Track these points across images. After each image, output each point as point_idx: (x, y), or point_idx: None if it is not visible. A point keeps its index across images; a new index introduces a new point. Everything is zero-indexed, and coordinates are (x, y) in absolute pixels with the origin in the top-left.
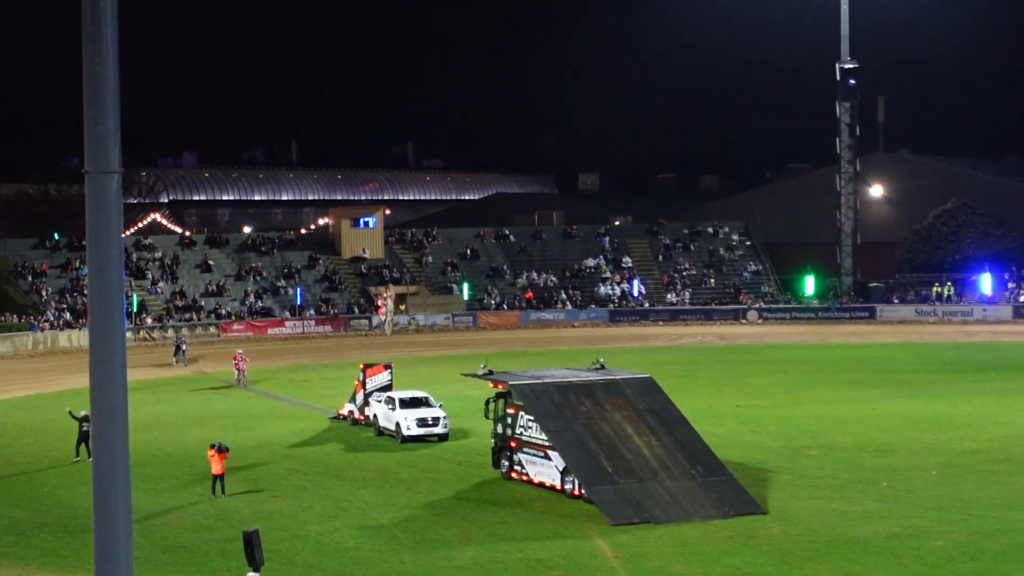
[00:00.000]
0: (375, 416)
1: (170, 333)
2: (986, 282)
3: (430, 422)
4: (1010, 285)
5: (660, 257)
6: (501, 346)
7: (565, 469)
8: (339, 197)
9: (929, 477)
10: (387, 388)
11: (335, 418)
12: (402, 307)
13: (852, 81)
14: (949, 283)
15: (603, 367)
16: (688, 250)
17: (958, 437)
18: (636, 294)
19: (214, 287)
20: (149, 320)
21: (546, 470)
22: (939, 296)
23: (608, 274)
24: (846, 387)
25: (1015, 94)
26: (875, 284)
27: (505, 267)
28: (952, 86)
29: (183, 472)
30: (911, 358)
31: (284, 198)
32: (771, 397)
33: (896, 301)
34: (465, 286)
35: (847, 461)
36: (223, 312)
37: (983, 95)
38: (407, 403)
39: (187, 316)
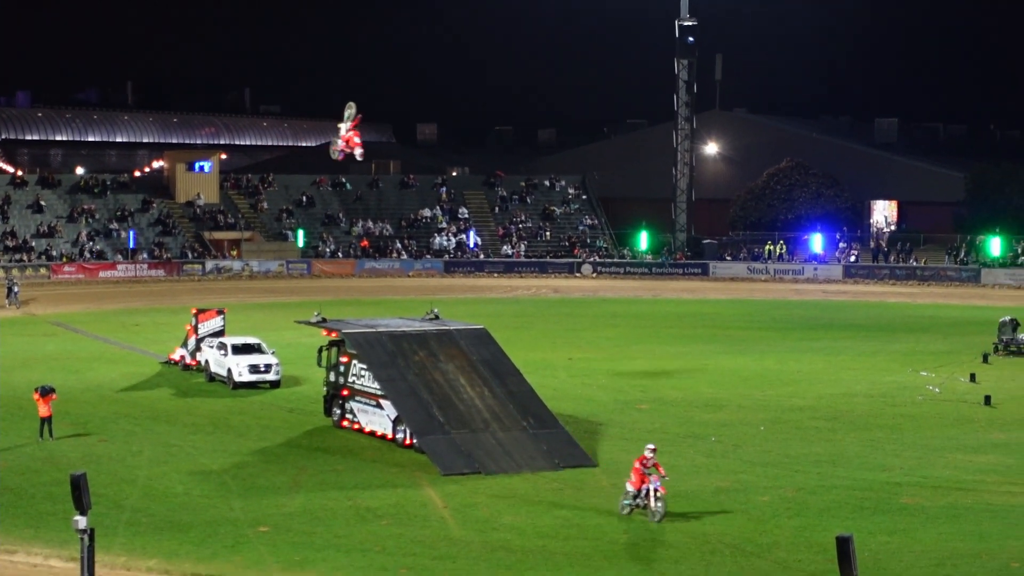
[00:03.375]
0: (207, 362)
1: (0, 274)
2: (817, 241)
3: (262, 369)
4: (841, 245)
5: (496, 209)
6: (335, 294)
7: (397, 418)
8: (175, 141)
9: (757, 433)
10: (219, 334)
11: (166, 363)
12: (234, 252)
13: (691, 39)
14: (781, 241)
15: (437, 317)
16: (524, 203)
17: (786, 394)
18: (472, 245)
19: (45, 228)
20: None
21: (378, 419)
22: (771, 254)
23: (444, 225)
24: (677, 342)
25: (850, 56)
26: (708, 241)
27: (341, 215)
28: (789, 47)
29: (10, 414)
30: (742, 315)
31: (119, 140)
32: (603, 351)
33: (729, 258)
34: (300, 233)
35: (677, 416)
36: (54, 254)
37: (819, 57)
38: (239, 349)
39: (18, 257)
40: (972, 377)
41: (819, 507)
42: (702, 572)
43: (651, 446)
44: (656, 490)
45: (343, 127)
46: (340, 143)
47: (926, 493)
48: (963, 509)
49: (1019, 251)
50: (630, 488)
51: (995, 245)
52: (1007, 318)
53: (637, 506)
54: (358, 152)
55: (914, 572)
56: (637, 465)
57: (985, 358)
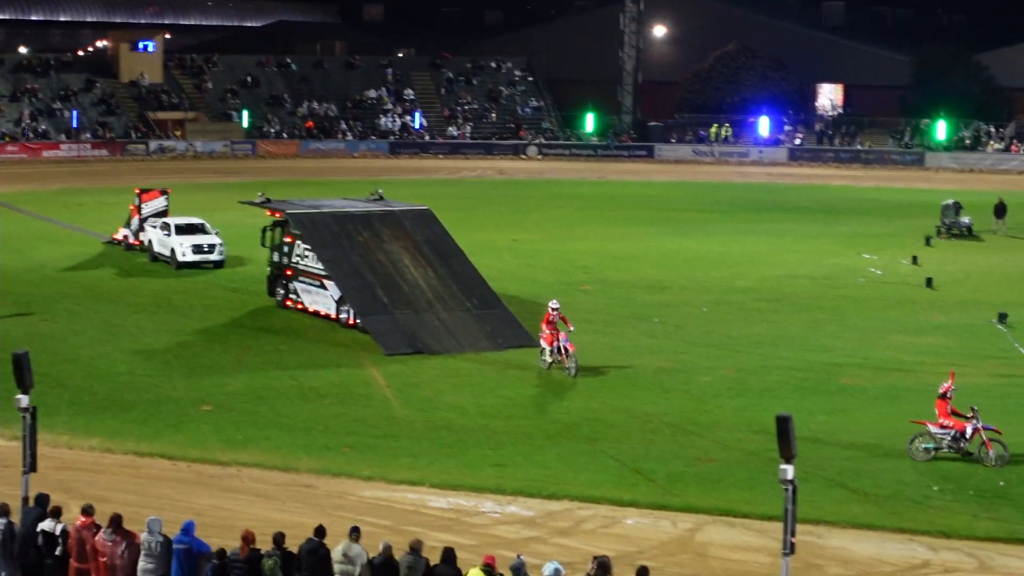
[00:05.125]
0: (150, 241)
1: None
2: (763, 124)
3: (205, 249)
4: (786, 128)
5: (442, 91)
6: (280, 175)
7: (341, 298)
8: (118, 20)
9: (699, 314)
10: (163, 214)
11: (109, 242)
12: (178, 132)
13: None
14: (727, 124)
15: (382, 198)
16: (470, 84)
17: (729, 276)
18: (417, 127)
19: None
20: None
21: (321, 299)
22: (716, 137)
23: (390, 106)
24: (622, 224)
25: None
26: (654, 123)
27: (286, 96)
28: None
29: None
30: (687, 197)
31: (62, 19)
32: (548, 232)
33: (674, 141)
34: (245, 114)
35: (620, 297)
36: None
37: None
38: (183, 229)
39: None
40: (914, 260)
41: (760, 387)
42: (643, 451)
43: (554, 303)
44: (565, 347)
45: None
46: None
47: (866, 374)
48: (902, 390)
49: (963, 135)
50: (544, 344)
51: (940, 129)
52: (950, 201)
53: (556, 361)
54: None
55: (853, 451)
56: (544, 325)
57: (927, 241)
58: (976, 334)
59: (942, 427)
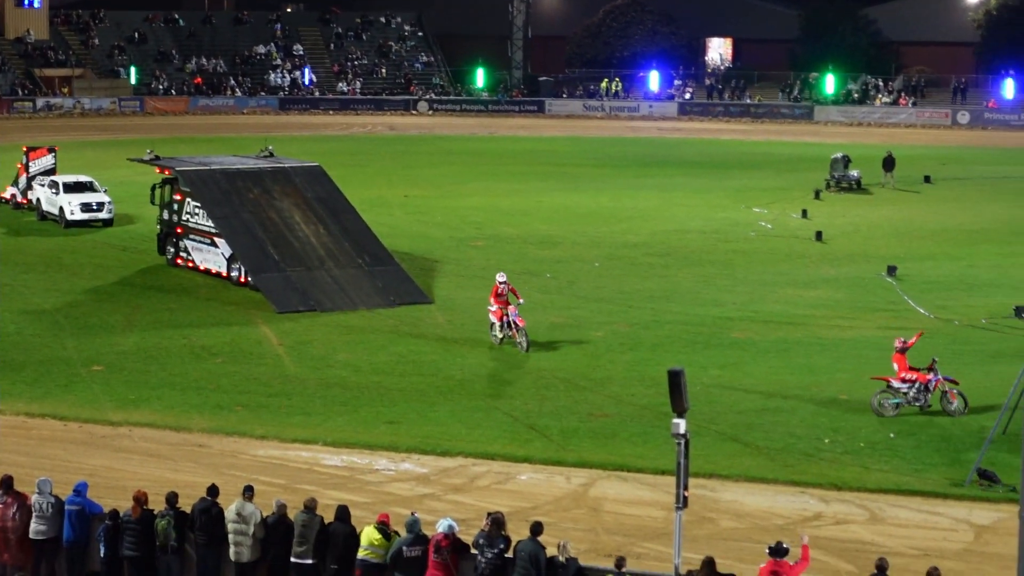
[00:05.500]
0: (38, 200)
1: None
2: (653, 79)
3: (95, 207)
4: (676, 83)
5: (332, 46)
6: (169, 132)
7: (232, 256)
8: None
9: (592, 269)
10: (51, 172)
11: None
12: (65, 90)
13: None
14: (617, 79)
15: (272, 155)
16: (360, 39)
17: (621, 231)
18: (307, 83)
19: None
20: None
21: (212, 257)
22: (607, 92)
23: (279, 62)
24: (513, 180)
25: None
26: (545, 78)
27: (174, 52)
28: None
29: None
30: (578, 152)
31: None
32: (439, 188)
33: (565, 96)
34: (132, 70)
35: (512, 252)
36: None
37: None
38: (71, 187)
39: None
40: (804, 213)
41: (652, 342)
42: (536, 407)
43: (502, 276)
44: (514, 322)
45: None
46: None
47: (757, 328)
48: (793, 343)
49: (851, 88)
50: (493, 319)
51: (828, 83)
52: (839, 155)
53: (507, 336)
54: None
55: (744, 405)
56: (492, 299)
57: (817, 194)
58: (865, 287)
59: (904, 380)
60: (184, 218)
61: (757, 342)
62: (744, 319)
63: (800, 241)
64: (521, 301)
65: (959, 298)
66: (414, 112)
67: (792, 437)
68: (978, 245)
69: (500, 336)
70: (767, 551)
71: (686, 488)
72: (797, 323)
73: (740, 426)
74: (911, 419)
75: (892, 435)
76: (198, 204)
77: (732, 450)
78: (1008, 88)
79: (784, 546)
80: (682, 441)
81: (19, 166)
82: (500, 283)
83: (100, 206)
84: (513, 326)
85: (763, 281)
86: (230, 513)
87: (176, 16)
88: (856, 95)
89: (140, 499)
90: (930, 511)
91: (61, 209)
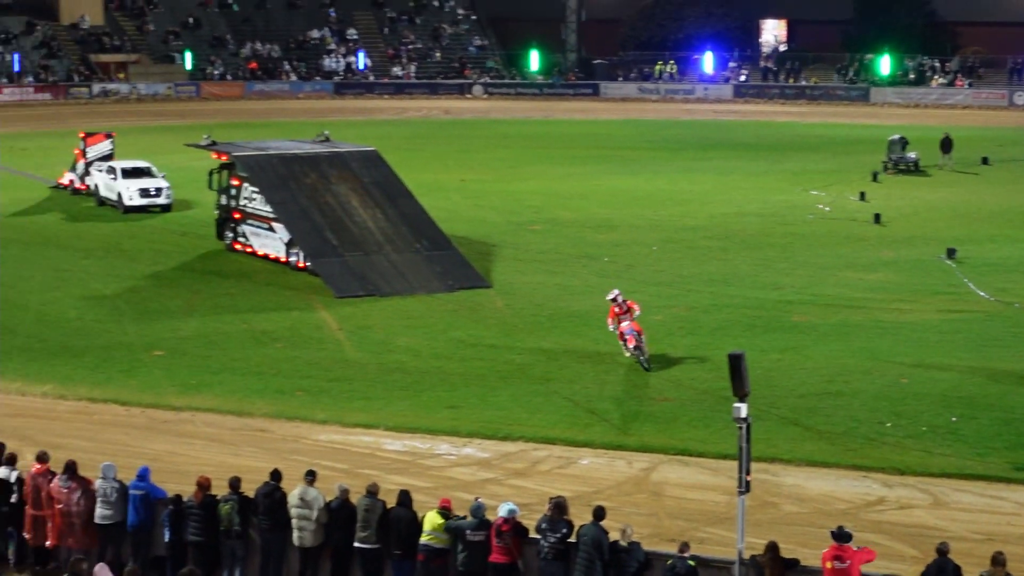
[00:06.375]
0: (96, 186)
1: None
2: (708, 61)
3: (153, 192)
4: (731, 65)
5: (386, 30)
6: (225, 117)
7: (290, 241)
8: None
9: (649, 253)
10: (108, 157)
11: (55, 187)
12: (121, 75)
13: None
14: (672, 61)
15: (328, 140)
16: (413, 23)
17: (678, 214)
18: (361, 67)
19: None
20: None
21: (271, 242)
22: (662, 74)
23: (333, 46)
24: (570, 163)
25: None
26: (599, 61)
27: (229, 37)
28: None
29: None
30: (633, 135)
31: None
32: (496, 172)
33: (620, 78)
34: (188, 55)
35: (570, 236)
36: None
37: None
38: (129, 173)
39: None
40: (862, 195)
41: (712, 326)
42: (597, 392)
43: (612, 294)
44: (634, 334)
45: None
46: None
47: (817, 311)
48: (853, 326)
49: (907, 69)
50: (614, 330)
51: (884, 64)
52: (896, 136)
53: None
54: None
55: (805, 389)
56: (609, 320)
57: (875, 176)
58: (925, 269)
59: None
60: (242, 203)
61: (817, 325)
62: (804, 302)
63: (858, 224)
64: (637, 311)
65: (1019, 280)
66: (469, 96)
67: (854, 421)
68: None
69: (632, 353)
70: (831, 535)
71: (748, 472)
72: (857, 306)
73: (801, 410)
74: (973, 402)
75: (954, 419)
76: (256, 189)
77: (793, 434)
78: None
79: (847, 531)
80: (744, 425)
81: (76, 152)
82: (616, 301)
83: (158, 191)
84: (633, 347)
85: (822, 264)
86: (293, 498)
87: (230, 1)
88: (912, 76)
89: (203, 484)
90: (994, 495)
91: (119, 195)
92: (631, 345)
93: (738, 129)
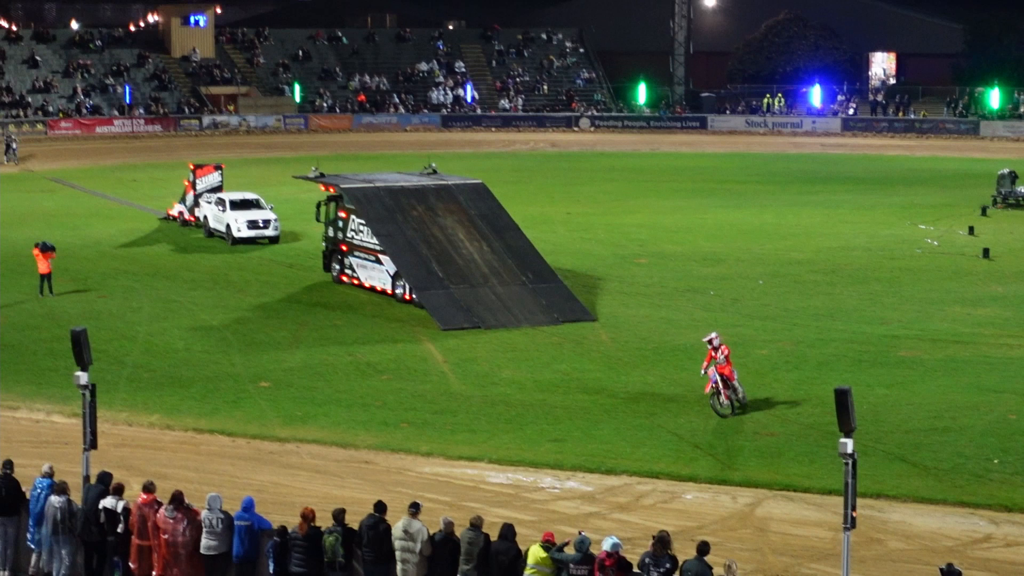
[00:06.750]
0: (205, 217)
1: None
2: (816, 94)
3: (261, 224)
4: (839, 98)
5: (493, 63)
6: (333, 149)
7: (396, 273)
8: None
9: (755, 287)
10: (217, 189)
11: (164, 218)
12: (231, 107)
13: None
14: (780, 94)
15: (435, 172)
16: (521, 56)
17: (785, 247)
18: (469, 100)
19: (41, 84)
20: None
21: (377, 274)
22: (769, 107)
23: (441, 79)
24: (676, 196)
25: None
26: (707, 94)
27: (337, 70)
28: None
29: (10, 271)
30: (740, 168)
31: None
32: (602, 205)
33: (727, 111)
34: (296, 88)
35: (675, 269)
36: (51, 109)
37: None
38: (238, 205)
39: (14, 113)
40: (971, 230)
41: (818, 360)
42: (701, 425)
43: (709, 337)
44: (726, 381)
45: None
46: None
47: (924, 346)
48: (961, 362)
49: (1018, 103)
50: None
51: (994, 97)
52: (1006, 170)
53: (726, 401)
54: None
55: (912, 424)
56: (707, 364)
57: (984, 211)
58: None
59: None
60: (349, 235)
61: (924, 361)
62: (911, 337)
63: (967, 258)
64: (725, 351)
65: None
66: (576, 129)
67: (961, 457)
68: None
69: (724, 404)
70: (940, 573)
71: (854, 508)
72: (965, 341)
73: (908, 446)
74: None
75: None
76: (363, 221)
77: (900, 470)
78: None
79: (956, 568)
80: (850, 461)
81: (186, 183)
82: (715, 352)
83: (266, 223)
84: (727, 386)
85: (930, 299)
86: (397, 530)
87: (339, 34)
88: (1022, 110)
89: (307, 516)
90: None
91: (228, 226)
92: (706, 390)
93: (846, 163)
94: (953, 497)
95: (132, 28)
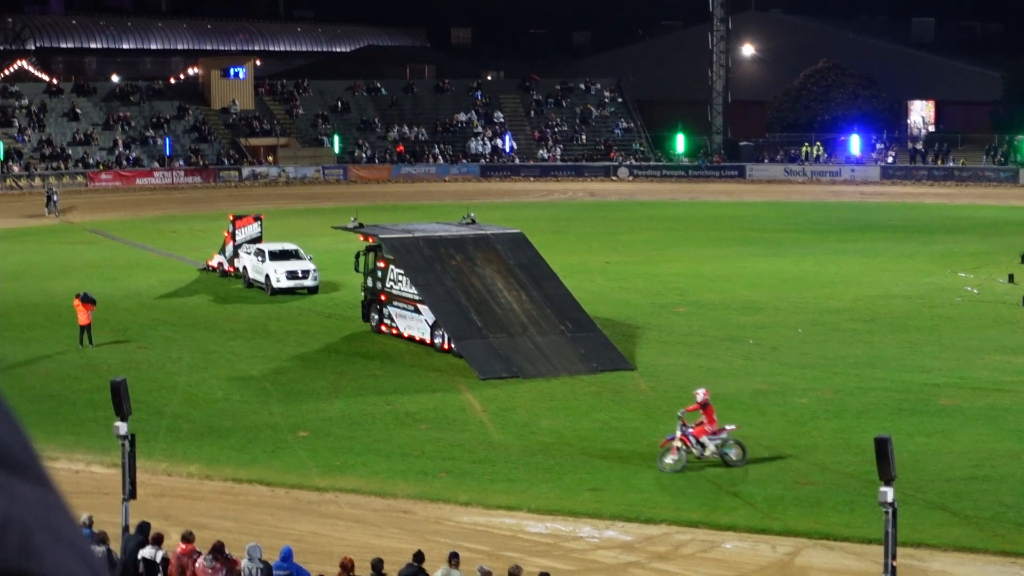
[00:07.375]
0: (244, 268)
1: (37, 182)
2: (855, 143)
3: (300, 275)
4: (878, 146)
5: (532, 113)
6: (371, 200)
7: (435, 323)
8: (208, 47)
9: (795, 335)
10: (257, 240)
11: (204, 269)
12: (270, 158)
13: None
14: (818, 143)
15: (474, 222)
16: (560, 106)
17: (824, 296)
18: (507, 150)
19: (82, 136)
20: (16, 168)
21: (416, 324)
22: (808, 156)
23: (479, 129)
24: (714, 245)
25: None
26: (745, 143)
27: (376, 120)
28: None
29: (50, 322)
30: (779, 217)
31: (153, 47)
32: (640, 254)
33: (766, 160)
34: (336, 139)
35: (714, 318)
36: (91, 162)
37: None
38: (277, 255)
39: (55, 165)
40: (1011, 278)
41: (857, 408)
42: (741, 474)
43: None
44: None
45: None
46: None
47: (964, 394)
48: (1001, 410)
49: None
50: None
51: None
52: None
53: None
54: None
55: (952, 473)
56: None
57: (1023, 259)
58: None
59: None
60: (388, 285)
61: (965, 409)
62: (951, 385)
63: (1007, 306)
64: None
65: None
66: (614, 178)
67: (1002, 506)
68: None
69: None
70: None
71: (894, 557)
72: (1005, 389)
73: (948, 494)
74: None
75: None
76: (401, 271)
77: (940, 519)
78: None
79: None
80: (890, 510)
81: (226, 234)
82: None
83: (305, 274)
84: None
85: (970, 347)
86: None
87: (378, 85)
88: None
89: (346, 565)
90: None
91: (267, 276)
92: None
93: (885, 211)
94: (994, 546)
95: (172, 81)
